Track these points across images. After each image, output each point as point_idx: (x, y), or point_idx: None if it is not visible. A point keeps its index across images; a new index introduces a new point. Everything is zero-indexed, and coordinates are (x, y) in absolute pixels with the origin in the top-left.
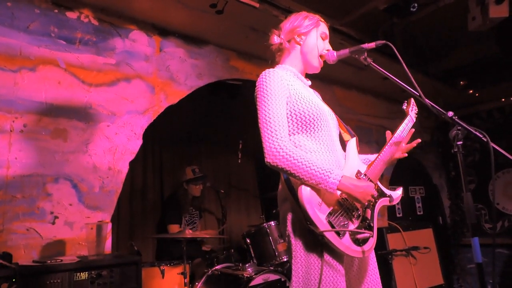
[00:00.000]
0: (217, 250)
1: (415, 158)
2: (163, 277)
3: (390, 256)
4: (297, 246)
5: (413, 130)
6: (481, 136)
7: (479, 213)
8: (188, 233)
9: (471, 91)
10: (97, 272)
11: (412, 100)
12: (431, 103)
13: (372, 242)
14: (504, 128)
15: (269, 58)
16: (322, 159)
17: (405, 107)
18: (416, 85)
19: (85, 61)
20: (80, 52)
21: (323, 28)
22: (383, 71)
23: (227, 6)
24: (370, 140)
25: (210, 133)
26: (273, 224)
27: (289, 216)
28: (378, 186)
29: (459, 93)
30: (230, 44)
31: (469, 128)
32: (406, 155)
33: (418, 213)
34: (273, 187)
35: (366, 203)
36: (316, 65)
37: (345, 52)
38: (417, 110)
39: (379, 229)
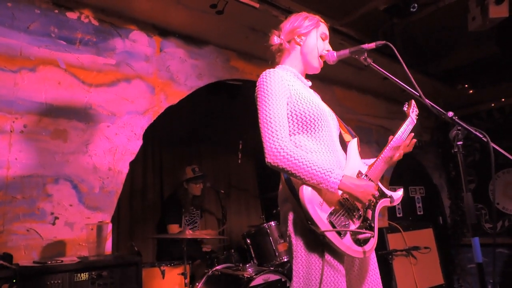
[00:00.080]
0: (217, 251)
1: (415, 158)
2: (163, 277)
3: (390, 256)
4: (298, 246)
5: (413, 134)
6: (481, 136)
7: (479, 213)
8: (188, 233)
9: (471, 91)
10: (98, 272)
11: (413, 101)
12: (431, 103)
13: (373, 242)
14: (504, 128)
15: (269, 58)
16: (323, 159)
17: (405, 109)
18: (416, 85)
19: (85, 61)
20: (80, 53)
21: (323, 28)
22: (383, 71)
23: (227, 7)
24: (370, 140)
25: (210, 133)
26: (273, 224)
27: (290, 216)
28: (379, 187)
29: (459, 93)
30: (230, 44)
31: (469, 128)
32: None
33: (418, 213)
34: (273, 187)
35: (367, 203)
36: (316, 66)
37: (345, 52)
38: (417, 112)
39: (379, 229)
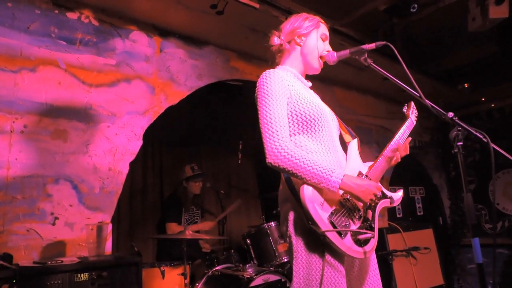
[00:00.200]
0: (217, 251)
1: (415, 158)
2: (163, 277)
3: (390, 257)
4: (299, 246)
5: (410, 138)
6: (481, 136)
7: (479, 214)
8: (188, 233)
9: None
10: (98, 273)
11: (412, 103)
12: (431, 103)
13: (373, 243)
14: (504, 128)
15: (269, 59)
16: (324, 159)
17: (405, 110)
18: (416, 86)
19: (86, 61)
20: (80, 53)
21: (323, 29)
22: (383, 71)
23: (227, 7)
24: (370, 141)
25: (210, 133)
26: (273, 225)
27: (291, 216)
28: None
29: (459, 93)
30: (230, 44)
31: (469, 129)
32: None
33: (418, 214)
34: (273, 187)
35: (369, 202)
36: (316, 66)
37: (345, 53)
38: (417, 113)
39: (379, 230)
